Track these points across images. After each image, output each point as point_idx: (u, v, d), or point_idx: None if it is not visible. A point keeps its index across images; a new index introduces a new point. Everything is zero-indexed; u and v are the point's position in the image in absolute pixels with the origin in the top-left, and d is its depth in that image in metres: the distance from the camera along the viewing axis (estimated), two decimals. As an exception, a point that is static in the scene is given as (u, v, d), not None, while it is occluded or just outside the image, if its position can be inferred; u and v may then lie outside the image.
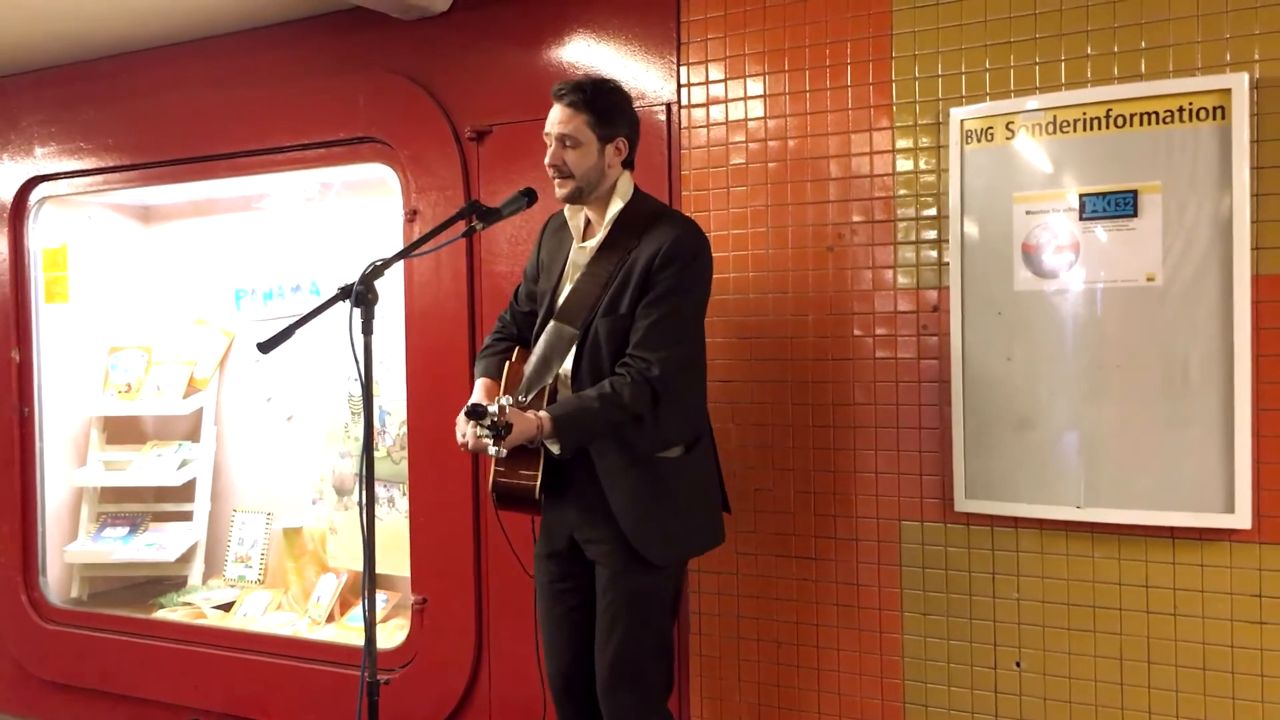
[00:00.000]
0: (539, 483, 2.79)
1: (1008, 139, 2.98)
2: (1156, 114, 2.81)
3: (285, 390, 4.96)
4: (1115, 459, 2.89)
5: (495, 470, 2.85)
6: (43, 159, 4.67)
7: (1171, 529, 2.85)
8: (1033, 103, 2.95)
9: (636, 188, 2.92)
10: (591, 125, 2.79)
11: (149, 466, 4.98)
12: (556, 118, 2.81)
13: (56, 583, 4.88)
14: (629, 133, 2.87)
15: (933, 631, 3.14)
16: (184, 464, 4.98)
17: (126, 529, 4.97)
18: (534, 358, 2.86)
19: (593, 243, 2.87)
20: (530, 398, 2.81)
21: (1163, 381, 2.83)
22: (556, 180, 2.82)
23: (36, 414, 4.78)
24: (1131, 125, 2.84)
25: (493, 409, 2.48)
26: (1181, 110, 2.79)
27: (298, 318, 2.43)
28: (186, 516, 5.01)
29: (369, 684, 2.46)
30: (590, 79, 2.89)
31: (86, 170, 4.59)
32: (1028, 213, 2.96)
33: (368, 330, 2.45)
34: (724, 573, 3.40)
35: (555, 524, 2.95)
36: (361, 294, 2.41)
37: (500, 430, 2.46)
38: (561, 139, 2.79)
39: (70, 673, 4.63)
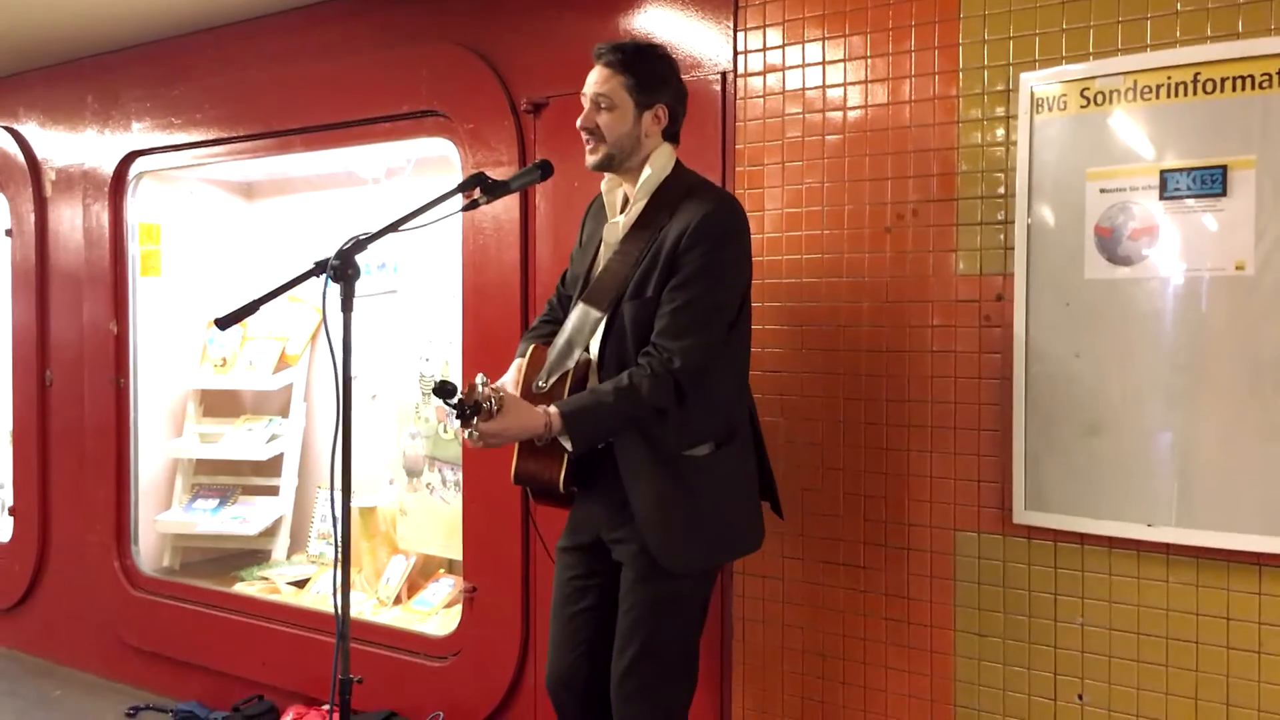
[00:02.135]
0: (563, 476, 2.62)
1: (1082, 107, 2.65)
2: (1252, 78, 2.44)
3: (371, 368, 4.92)
4: (1196, 472, 2.54)
5: (516, 459, 2.69)
6: (139, 133, 4.74)
7: (1258, 555, 2.49)
8: (1110, 66, 2.60)
9: (679, 162, 2.71)
10: (629, 88, 2.61)
11: (239, 440, 5.03)
12: (593, 78, 2.64)
13: (149, 551, 4.98)
14: (671, 101, 2.67)
15: (988, 655, 2.84)
16: (273, 438, 5.02)
17: (216, 501, 5.03)
18: (558, 341, 2.69)
19: (623, 218, 2.68)
20: (551, 383, 2.64)
21: (1252, 385, 2.46)
22: (588, 145, 2.64)
23: (132, 385, 4.87)
24: (1223, 91, 2.47)
25: (477, 386, 2.31)
26: (1281, 73, 2.41)
27: (262, 294, 2.30)
28: (274, 491, 5.04)
29: (341, 682, 2.33)
30: (633, 41, 2.71)
31: (177, 145, 4.63)
32: (1102, 191, 2.62)
33: (347, 308, 2.31)
34: (769, 577, 3.16)
35: (582, 519, 2.78)
36: (338, 269, 2.27)
37: (466, 410, 2.29)
38: (596, 100, 2.61)
39: (155, 640, 4.71)
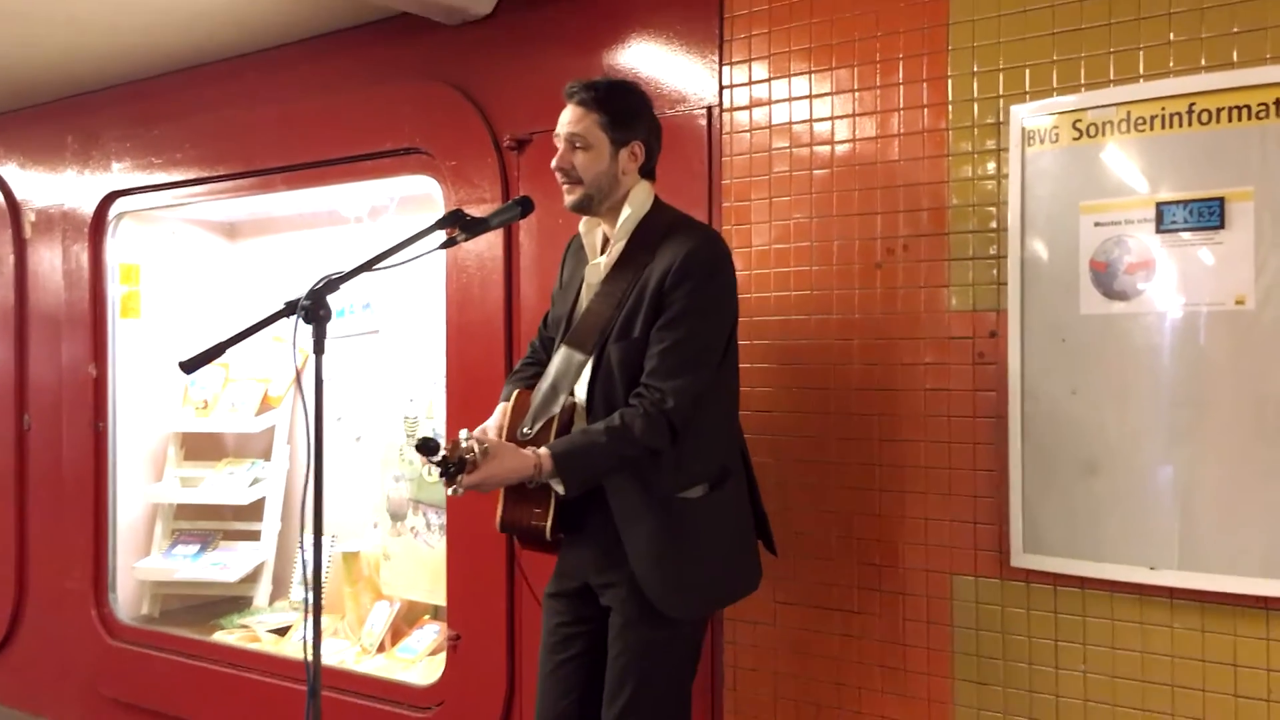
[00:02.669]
0: (549, 523, 2.53)
1: (1074, 139, 2.59)
2: (1249, 108, 2.38)
3: (355, 410, 4.83)
4: (1199, 513, 2.46)
5: (502, 506, 2.60)
6: (120, 174, 4.68)
7: (1265, 599, 2.40)
8: (1102, 97, 2.55)
9: (658, 199, 2.64)
10: (604, 126, 2.54)
11: (220, 484, 4.93)
12: (566, 118, 2.57)
13: (127, 599, 4.86)
14: (646, 137, 2.61)
15: (987, 703, 2.75)
16: (255, 482, 4.92)
17: (197, 546, 4.92)
18: (542, 385, 2.61)
19: (605, 259, 2.61)
20: (536, 429, 2.56)
21: (1255, 422, 2.39)
22: (565, 186, 2.58)
23: (111, 428, 4.77)
24: (1219, 121, 2.42)
25: (460, 442, 2.24)
26: (1279, 103, 2.35)
27: (230, 335, 2.22)
28: (256, 536, 4.93)
29: (313, 738, 2.23)
30: (605, 78, 2.65)
31: (157, 185, 4.56)
32: (1096, 224, 2.56)
33: (319, 349, 2.23)
34: (760, 623, 3.07)
35: (570, 564, 2.69)
36: (309, 310, 2.19)
37: (450, 468, 2.21)
38: (570, 140, 2.55)
39: (133, 690, 4.59)
